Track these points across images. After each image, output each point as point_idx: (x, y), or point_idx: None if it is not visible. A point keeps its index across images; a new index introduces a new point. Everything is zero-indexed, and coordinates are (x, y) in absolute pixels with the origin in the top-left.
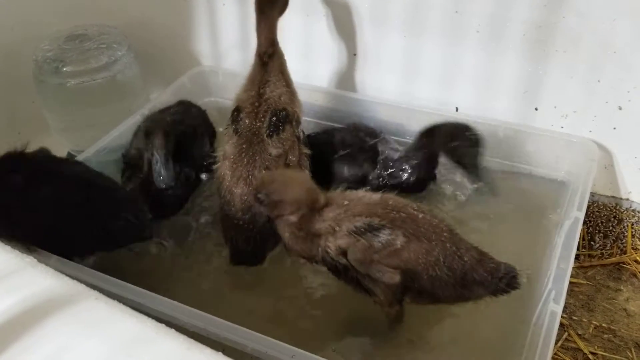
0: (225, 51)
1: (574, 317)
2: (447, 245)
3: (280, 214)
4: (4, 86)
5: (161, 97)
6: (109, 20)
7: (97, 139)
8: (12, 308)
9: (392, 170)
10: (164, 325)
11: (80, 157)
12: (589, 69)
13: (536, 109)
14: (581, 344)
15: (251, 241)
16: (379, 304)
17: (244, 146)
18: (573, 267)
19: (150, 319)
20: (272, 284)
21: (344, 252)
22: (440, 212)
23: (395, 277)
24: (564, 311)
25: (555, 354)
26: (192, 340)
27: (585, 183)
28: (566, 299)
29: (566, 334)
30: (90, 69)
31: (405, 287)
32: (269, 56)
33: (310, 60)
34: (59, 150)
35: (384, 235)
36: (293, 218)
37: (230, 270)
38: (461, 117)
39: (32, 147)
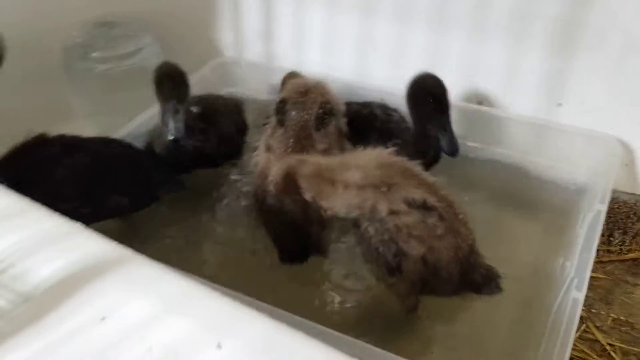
0: (247, 43)
1: (593, 310)
2: (459, 241)
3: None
4: (33, 73)
5: None
6: (136, 9)
7: (121, 126)
8: (62, 269)
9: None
10: (210, 286)
11: None
12: (614, 67)
13: (560, 105)
14: (599, 336)
15: (301, 238)
16: (395, 292)
17: (291, 140)
18: (594, 262)
19: (196, 280)
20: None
21: (393, 213)
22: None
23: (421, 250)
24: (583, 304)
25: (573, 344)
26: (238, 302)
27: (608, 178)
28: (585, 292)
29: (584, 325)
30: (118, 55)
31: (425, 281)
32: None
33: (332, 52)
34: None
35: (432, 219)
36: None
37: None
38: (484, 110)
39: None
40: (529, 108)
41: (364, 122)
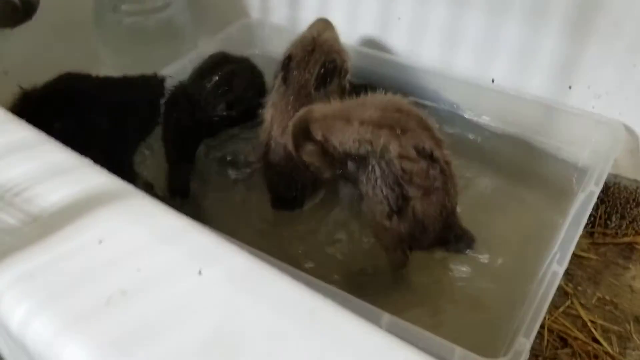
0: (274, 6)
1: (579, 288)
2: (446, 195)
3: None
4: (66, 18)
5: (208, 45)
6: None
7: None
8: (68, 197)
9: None
10: (199, 223)
11: None
12: (627, 53)
13: (570, 87)
14: (582, 312)
15: (292, 188)
16: (385, 242)
17: (291, 97)
18: (586, 243)
19: (188, 218)
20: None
21: (402, 157)
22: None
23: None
24: (570, 281)
25: (555, 318)
26: (223, 236)
27: (606, 160)
28: (574, 270)
29: (569, 301)
30: (146, 9)
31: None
32: None
33: (351, 21)
34: None
35: (434, 171)
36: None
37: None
38: (496, 89)
39: None
40: (540, 89)
41: None
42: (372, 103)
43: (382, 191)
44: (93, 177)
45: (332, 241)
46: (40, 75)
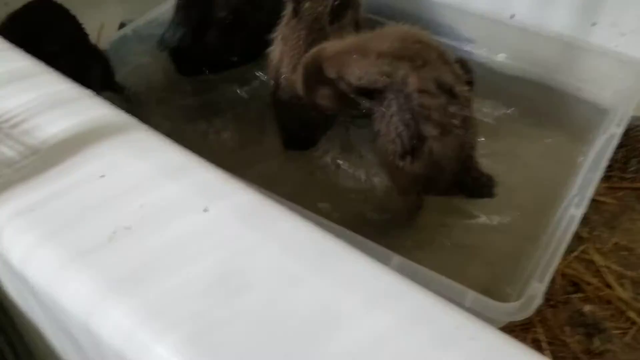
0: None
1: (595, 233)
2: (472, 145)
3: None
4: None
5: None
6: None
7: (149, 9)
8: (69, 128)
9: None
10: (204, 160)
11: (128, 28)
12: None
13: (594, 24)
14: (597, 257)
15: (304, 127)
16: (399, 183)
17: (302, 32)
18: (603, 187)
19: (194, 154)
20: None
21: (422, 91)
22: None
23: (434, 137)
24: (585, 226)
25: (569, 262)
26: (228, 173)
27: (629, 102)
28: (590, 214)
29: (584, 246)
30: None
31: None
32: None
33: None
34: (114, 19)
35: (453, 107)
36: None
37: None
38: (516, 24)
39: (87, 18)
40: (563, 25)
41: None
42: (390, 34)
43: (396, 128)
44: (94, 108)
45: (344, 181)
46: None
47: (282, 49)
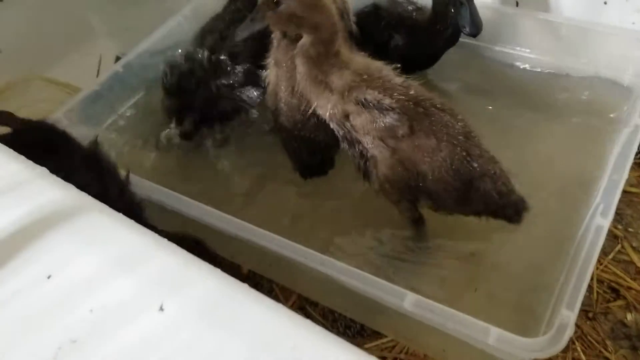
0: None
1: (630, 229)
2: (458, 149)
3: (287, 29)
4: None
5: None
6: None
7: (139, 41)
8: (17, 220)
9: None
10: (165, 240)
11: (122, 61)
12: None
13: (605, 3)
14: (635, 257)
15: (317, 152)
16: (388, 198)
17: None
18: (635, 177)
19: (151, 234)
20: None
21: (347, 117)
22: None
23: (386, 154)
24: (619, 222)
25: (605, 266)
26: (190, 257)
27: None
28: (623, 209)
29: (619, 246)
30: None
31: (410, 187)
32: None
33: None
34: (109, 53)
35: (389, 119)
36: (306, 42)
37: None
38: (521, 12)
39: (85, 52)
40: (572, 7)
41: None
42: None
43: (350, 153)
44: (46, 192)
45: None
46: (32, 49)
47: (277, 73)
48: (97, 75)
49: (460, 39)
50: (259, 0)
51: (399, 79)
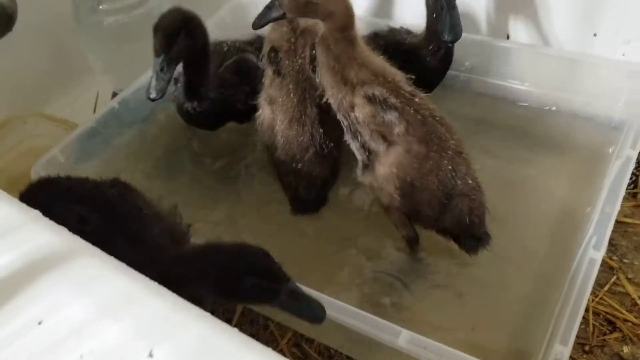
0: None
1: (625, 260)
2: (445, 161)
3: (304, 16)
4: (49, 24)
5: None
6: None
7: (135, 78)
8: (9, 264)
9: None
10: (155, 284)
11: (118, 97)
12: None
13: (595, 35)
14: (630, 289)
15: (313, 187)
16: (380, 204)
17: (290, 86)
18: (629, 206)
19: (143, 278)
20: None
21: (352, 108)
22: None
23: (382, 147)
24: (614, 253)
25: (601, 298)
26: (181, 301)
27: None
28: (618, 240)
29: (615, 277)
30: (126, 5)
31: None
32: None
33: None
34: (106, 89)
35: (389, 116)
36: (325, 32)
37: None
38: (511, 45)
39: (82, 88)
40: (562, 40)
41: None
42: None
43: (349, 145)
44: (38, 236)
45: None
46: (29, 86)
47: (271, 109)
48: (94, 112)
49: (452, 72)
50: None
51: (408, 87)
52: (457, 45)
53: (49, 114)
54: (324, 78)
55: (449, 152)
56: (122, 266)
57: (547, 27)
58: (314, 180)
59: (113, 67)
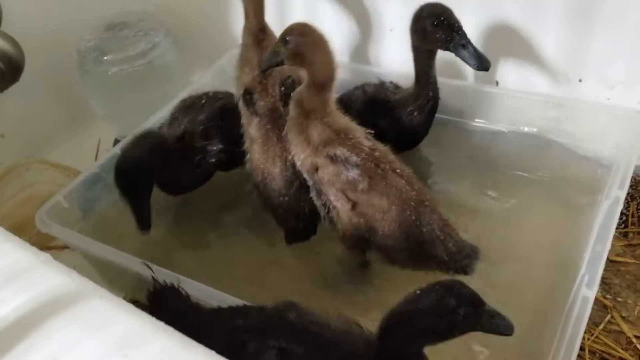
0: None
1: (619, 299)
2: (407, 212)
3: (295, 64)
4: (54, 74)
5: (201, 80)
6: (147, 6)
7: (139, 124)
8: (19, 308)
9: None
10: (162, 323)
11: (121, 143)
12: (636, 38)
13: (580, 81)
14: (625, 327)
15: (301, 217)
16: (342, 241)
17: (268, 126)
18: (620, 246)
19: (149, 317)
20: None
21: (316, 169)
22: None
23: (347, 206)
24: (608, 292)
25: (596, 337)
26: (187, 340)
27: (629, 159)
28: (611, 279)
29: (609, 316)
30: (129, 56)
31: (365, 239)
32: (262, 32)
33: (345, 36)
34: (108, 136)
35: (352, 173)
36: (302, 87)
37: None
38: (502, 92)
39: (85, 135)
40: (549, 86)
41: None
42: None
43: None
44: (49, 278)
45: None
46: (33, 133)
47: (257, 150)
48: (96, 158)
49: (444, 116)
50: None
51: (368, 142)
52: (450, 91)
53: (52, 160)
54: (290, 132)
55: (412, 203)
56: (130, 307)
57: (535, 74)
58: (302, 210)
59: (115, 114)
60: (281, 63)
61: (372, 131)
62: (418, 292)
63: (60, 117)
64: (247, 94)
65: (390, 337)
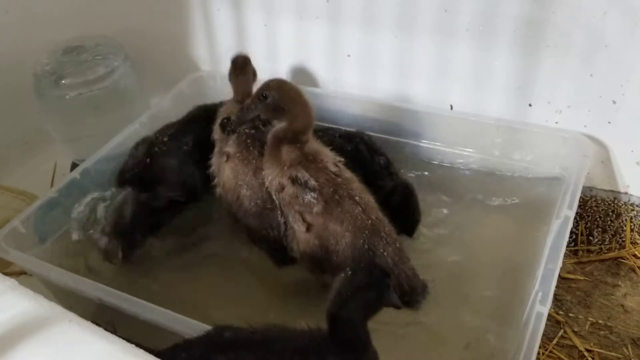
0: (221, 55)
1: (570, 314)
2: (360, 241)
3: (274, 118)
4: (9, 97)
5: (160, 104)
6: (105, 30)
7: (97, 148)
8: None
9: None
10: (133, 346)
11: (80, 167)
12: (581, 64)
13: (530, 105)
14: (577, 341)
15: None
16: (300, 263)
17: (248, 141)
18: (571, 263)
19: (120, 340)
20: None
21: (282, 189)
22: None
23: (302, 228)
24: (560, 308)
25: (550, 351)
26: None
27: (577, 180)
28: (563, 295)
29: (562, 331)
30: (88, 80)
31: (321, 261)
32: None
33: (302, 61)
34: (64, 159)
35: (308, 196)
36: (281, 126)
37: None
38: (456, 114)
39: (40, 159)
40: (501, 110)
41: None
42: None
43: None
44: (16, 303)
45: None
46: None
47: (232, 166)
48: (52, 183)
49: (399, 139)
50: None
51: (334, 168)
52: (405, 115)
53: (7, 185)
54: (265, 158)
55: (366, 232)
56: (100, 330)
57: (487, 98)
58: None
59: (74, 138)
60: (257, 117)
61: (343, 159)
62: (349, 272)
63: (14, 141)
64: (226, 119)
65: (339, 320)
